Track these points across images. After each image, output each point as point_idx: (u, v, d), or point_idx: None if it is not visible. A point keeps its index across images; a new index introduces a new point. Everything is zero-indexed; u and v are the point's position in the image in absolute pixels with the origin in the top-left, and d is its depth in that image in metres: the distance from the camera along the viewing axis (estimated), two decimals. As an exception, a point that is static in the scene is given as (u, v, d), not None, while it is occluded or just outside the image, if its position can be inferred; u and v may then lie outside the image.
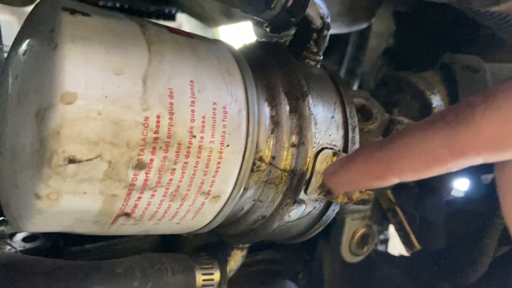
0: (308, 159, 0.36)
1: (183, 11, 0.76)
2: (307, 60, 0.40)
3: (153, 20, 0.75)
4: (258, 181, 0.36)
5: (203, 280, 0.41)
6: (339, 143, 0.39)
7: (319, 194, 0.38)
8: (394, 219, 0.52)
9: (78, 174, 0.28)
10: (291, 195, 0.37)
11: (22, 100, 0.28)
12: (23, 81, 0.29)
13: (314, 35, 0.40)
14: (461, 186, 0.58)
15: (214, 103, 0.32)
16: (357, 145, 0.40)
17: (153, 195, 0.31)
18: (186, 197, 0.33)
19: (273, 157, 0.36)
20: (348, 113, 0.40)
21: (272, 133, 0.36)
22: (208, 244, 0.45)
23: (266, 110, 0.36)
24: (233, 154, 0.33)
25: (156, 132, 0.30)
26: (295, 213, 0.38)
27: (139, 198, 0.31)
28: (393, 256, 0.64)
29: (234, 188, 0.34)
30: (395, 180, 0.24)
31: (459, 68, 0.54)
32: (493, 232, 0.54)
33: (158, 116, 0.30)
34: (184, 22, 0.97)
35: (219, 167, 0.33)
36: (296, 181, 0.36)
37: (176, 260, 0.41)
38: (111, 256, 0.49)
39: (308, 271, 0.60)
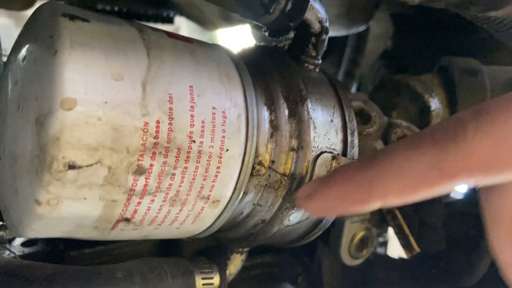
0: (308, 163, 0.36)
1: (181, 14, 0.76)
2: (306, 64, 0.40)
3: (152, 24, 0.76)
4: (258, 185, 0.36)
5: (203, 284, 0.41)
6: (338, 147, 0.39)
7: (318, 198, 0.38)
8: (393, 222, 0.52)
9: (78, 179, 0.28)
10: (291, 199, 0.37)
11: (22, 106, 0.28)
12: (23, 87, 0.29)
13: (313, 39, 0.40)
14: (460, 188, 0.58)
15: (214, 108, 0.33)
16: (356, 149, 0.40)
17: (153, 200, 0.31)
18: (185, 202, 0.33)
19: (273, 161, 0.36)
20: (347, 117, 0.40)
21: (271, 137, 0.36)
22: (208, 248, 0.45)
23: (265, 114, 0.36)
24: (233, 159, 0.33)
25: (155, 137, 0.30)
26: (295, 217, 0.38)
27: (139, 203, 0.31)
28: (392, 259, 0.65)
29: (233, 192, 0.35)
30: (377, 205, 0.22)
31: (457, 71, 0.54)
32: (492, 235, 0.54)
33: (157, 122, 0.30)
34: (182, 25, 0.97)
35: (218, 172, 0.33)
36: (296, 185, 0.36)
37: (176, 264, 0.41)
38: (110, 260, 0.49)
39: (308, 274, 0.60)
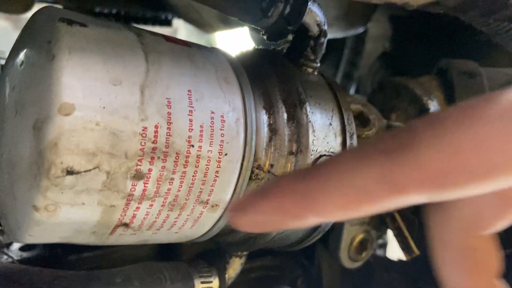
0: (306, 167, 0.36)
1: (179, 17, 0.76)
2: (305, 67, 0.40)
3: (150, 26, 0.75)
4: (257, 189, 0.36)
5: (202, 288, 0.41)
6: (337, 150, 0.39)
7: (317, 202, 0.38)
8: (393, 224, 0.52)
9: (76, 185, 0.28)
10: (290, 203, 0.37)
11: (20, 111, 0.28)
12: (20, 92, 0.29)
13: (311, 43, 0.40)
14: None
15: (212, 112, 0.32)
16: (355, 152, 0.40)
17: (151, 205, 0.31)
18: (184, 207, 0.33)
19: (272, 165, 0.36)
20: (346, 120, 0.40)
21: (270, 141, 0.36)
22: (206, 252, 0.45)
23: (264, 118, 0.36)
24: (231, 163, 0.33)
25: (154, 142, 0.29)
26: (294, 220, 0.38)
27: (138, 208, 0.31)
28: (392, 261, 0.64)
29: (232, 196, 0.34)
30: (315, 220, 0.20)
31: (456, 73, 0.54)
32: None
33: (156, 126, 0.30)
34: (180, 27, 0.97)
35: (217, 176, 0.33)
36: (295, 189, 0.36)
37: (175, 268, 0.41)
38: (109, 264, 0.49)
39: (307, 277, 0.60)
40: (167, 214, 0.32)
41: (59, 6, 0.67)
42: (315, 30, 0.39)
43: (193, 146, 0.31)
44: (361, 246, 0.54)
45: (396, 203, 0.19)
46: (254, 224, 0.21)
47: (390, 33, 0.80)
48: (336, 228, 0.53)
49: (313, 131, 0.37)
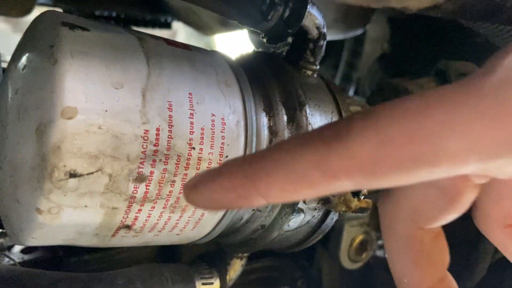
0: (307, 169, 0.36)
1: (179, 19, 0.77)
2: (304, 70, 0.40)
3: (149, 28, 0.76)
4: (257, 191, 0.36)
5: (203, 289, 0.41)
6: (337, 152, 0.39)
7: (317, 203, 0.38)
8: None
9: (79, 188, 0.28)
10: (290, 205, 0.37)
11: (23, 115, 0.29)
12: (23, 96, 0.29)
13: (311, 45, 0.40)
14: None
15: (213, 115, 0.33)
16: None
17: (153, 207, 0.31)
18: (186, 208, 0.33)
19: (272, 167, 0.36)
20: (345, 122, 0.40)
21: (270, 143, 0.36)
22: (207, 253, 0.45)
23: (264, 120, 0.36)
24: (232, 165, 0.34)
25: (155, 145, 0.30)
26: (294, 222, 0.38)
27: (140, 210, 0.31)
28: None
29: (233, 198, 0.35)
30: (261, 201, 0.21)
31: (454, 75, 0.54)
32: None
33: (157, 129, 0.30)
34: (179, 29, 0.97)
35: (218, 178, 0.33)
36: (295, 191, 0.37)
37: (176, 270, 0.41)
38: (110, 266, 0.49)
39: (307, 278, 0.60)
40: (169, 216, 0.33)
41: (59, 9, 0.67)
42: (314, 33, 0.39)
43: (194, 148, 0.31)
44: (361, 247, 0.54)
45: (331, 189, 0.19)
46: (206, 202, 0.22)
47: (388, 35, 0.80)
48: (336, 229, 0.53)
49: (313, 133, 0.37)
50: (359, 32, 0.73)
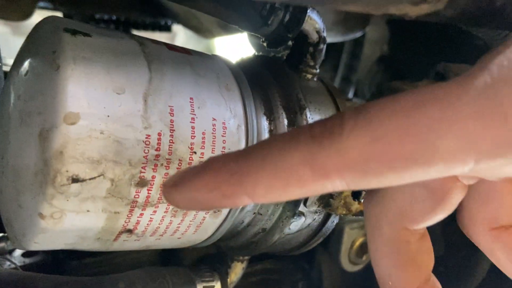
0: (307, 172, 0.37)
1: (179, 23, 0.77)
2: (304, 74, 0.41)
3: (149, 32, 0.76)
4: (258, 195, 0.36)
5: (204, 293, 0.41)
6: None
7: (318, 206, 0.38)
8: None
9: (81, 192, 0.28)
10: (291, 208, 0.37)
11: (25, 120, 0.29)
12: (26, 102, 0.29)
13: (311, 49, 0.40)
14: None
15: (214, 119, 0.33)
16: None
17: (155, 211, 0.31)
18: (187, 212, 0.33)
19: (273, 171, 0.36)
20: (345, 125, 0.40)
21: (271, 146, 0.36)
22: (208, 256, 0.46)
23: (265, 124, 0.37)
24: (233, 169, 0.34)
25: (157, 149, 0.30)
26: (295, 225, 0.38)
27: (141, 214, 0.31)
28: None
29: (234, 202, 0.35)
30: (246, 200, 0.19)
31: (453, 77, 0.54)
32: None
33: (159, 134, 0.30)
34: (179, 32, 0.98)
35: (219, 182, 0.33)
36: (296, 194, 0.37)
37: (177, 273, 0.41)
38: (111, 269, 0.49)
39: (308, 280, 0.60)
40: (170, 220, 0.33)
41: (59, 13, 0.67)
42: (314, 37, 0.40)
43: (195, 152, 0.32)
44: (362, 249, 0.55)
45: (321, 188, 0.19)
46: (187, 202, 0.20)
47: (388, 37, 0.80)
48: (337, 232, 0.54)
49: (313, 136, 0.37)
50: (358, 34, 0.73)
